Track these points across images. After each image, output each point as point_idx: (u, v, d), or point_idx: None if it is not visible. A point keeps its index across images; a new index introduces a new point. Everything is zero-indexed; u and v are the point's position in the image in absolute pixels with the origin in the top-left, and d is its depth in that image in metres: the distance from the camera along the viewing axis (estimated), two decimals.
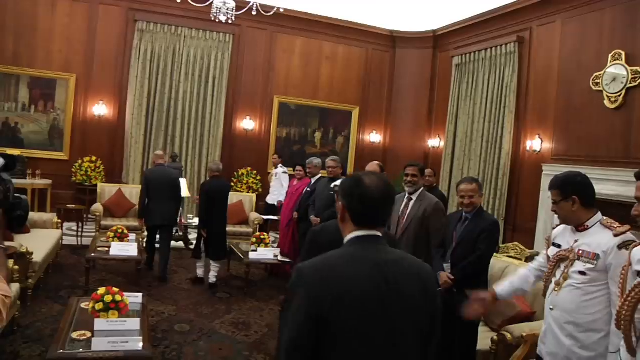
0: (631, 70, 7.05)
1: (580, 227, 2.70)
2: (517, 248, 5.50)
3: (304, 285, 1.59)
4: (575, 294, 2.63)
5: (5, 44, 9.67)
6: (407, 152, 11.30)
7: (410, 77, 12.10)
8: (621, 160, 7.04)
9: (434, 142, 11.77)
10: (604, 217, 2.69)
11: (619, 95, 7.23)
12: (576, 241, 2.71)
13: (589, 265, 2.60)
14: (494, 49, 9.81)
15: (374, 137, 12.27)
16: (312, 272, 1.62)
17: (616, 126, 7.31)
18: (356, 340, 1.57)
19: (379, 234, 1.73)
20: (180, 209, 7.86)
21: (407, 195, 4.70)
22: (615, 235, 2.56)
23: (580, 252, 2.65)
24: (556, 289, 2.72)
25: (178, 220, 8.24)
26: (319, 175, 6.87)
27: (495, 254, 4.68)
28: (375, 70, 12.17)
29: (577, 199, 2.67)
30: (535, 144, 8.79)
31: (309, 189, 6.74)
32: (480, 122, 10.03)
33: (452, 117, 10.90)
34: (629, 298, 2.03)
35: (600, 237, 2.61)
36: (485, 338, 3.90)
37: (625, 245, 2.47)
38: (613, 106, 7.32)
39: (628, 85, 7.10)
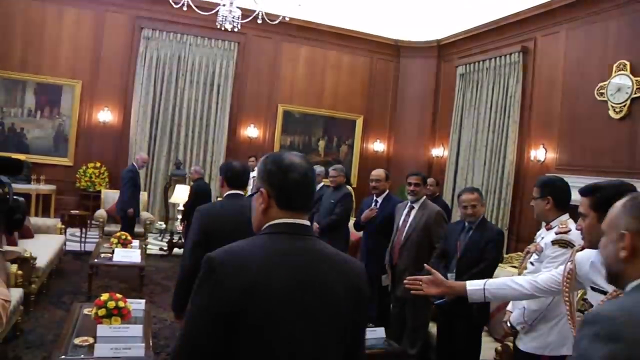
0: (636, 80, 7.04)
1: (547, 225, 3.00)
2: (521, 258, 5.48)
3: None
4: None
5: (13, 50, 9.75)
6: (411, 162, 11.27)
7: (414, 86, 12.11)
8: (626, 171, 7.01)
9: (438, 151, 11.77)
10: (568, 219, 2.93)
11: (624, 106, 7.21)
12: (542, 238, 3.02)
13: (535, 257, 2.99)
14: (498, 58, 9.82)
15: (378, 146, 12.27)
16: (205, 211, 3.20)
17: (621, 136, 7.29)
18: None
19: (241, 192, 3.29)
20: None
21: (409, 203, 4.73)
22: (556, 233, 2.85)
23: (536, 246, 3.01)
24: None
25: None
26: (322, 184, 6.89)
27: (499, 264, 4.66)
28: (379, 79, 12.19)
29: (552, 200, 2.97)
30: (539, 153, 8.78)
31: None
32: (484, 132, 10.02)
33: (456, 126, 10.89)
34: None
35: (550, 235, 2.92)
36: (489, 348, 3.89)
37: (557, 242, 2.81)
38: (618, 116, 7.31)
39: (633, 96, 7.08)
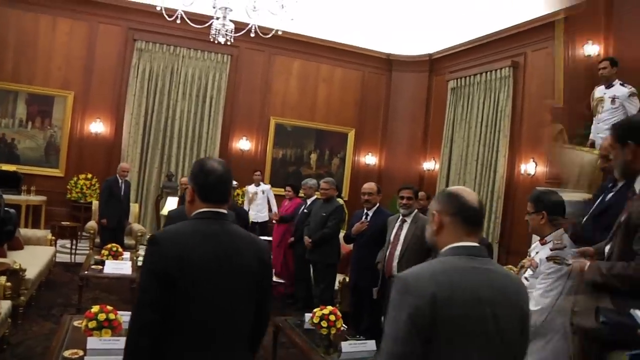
0: None
1: (541, 239, 2.99)
2: (512, 271, 5.51)
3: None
4: None
5: (5, 60, 9.74)
6: (403, 175, 11.32)
7: (406, 100, 12.20)
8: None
9: (429, 164, 11.83)
10: (563, 235, 2.94)
11: None
12: (537, 252, 3.01)
13: (529, 272, 2.97)
14: (488, 73, 9.92)
15: (370, 159, 12.32)
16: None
17: None
18: None
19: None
20: None
21: (400, 217, 4.76)
22: (551, 249, 2.87)
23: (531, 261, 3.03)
24: None
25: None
26: (314, 197, 6.85)
27: None
28: (371, 92, 12.27)
29: (546, 215, 2.95)
30: (529, 167, 8.84)
31: (305, 210, 6.71)
32: (475, 146, 10.09)
33: (447, 140, 10.97)
34: None
35: (544, 250, 2.91)
36: None
37: (552, 259, 2.82)
38: None
39: None
